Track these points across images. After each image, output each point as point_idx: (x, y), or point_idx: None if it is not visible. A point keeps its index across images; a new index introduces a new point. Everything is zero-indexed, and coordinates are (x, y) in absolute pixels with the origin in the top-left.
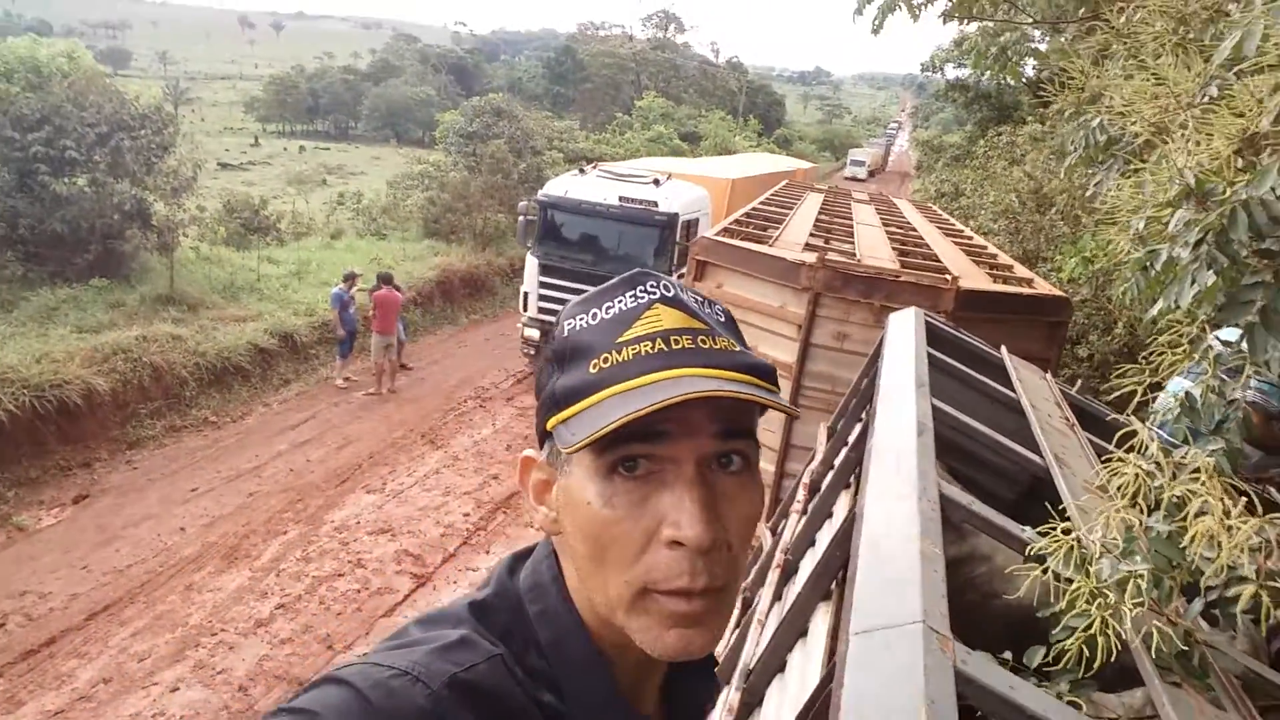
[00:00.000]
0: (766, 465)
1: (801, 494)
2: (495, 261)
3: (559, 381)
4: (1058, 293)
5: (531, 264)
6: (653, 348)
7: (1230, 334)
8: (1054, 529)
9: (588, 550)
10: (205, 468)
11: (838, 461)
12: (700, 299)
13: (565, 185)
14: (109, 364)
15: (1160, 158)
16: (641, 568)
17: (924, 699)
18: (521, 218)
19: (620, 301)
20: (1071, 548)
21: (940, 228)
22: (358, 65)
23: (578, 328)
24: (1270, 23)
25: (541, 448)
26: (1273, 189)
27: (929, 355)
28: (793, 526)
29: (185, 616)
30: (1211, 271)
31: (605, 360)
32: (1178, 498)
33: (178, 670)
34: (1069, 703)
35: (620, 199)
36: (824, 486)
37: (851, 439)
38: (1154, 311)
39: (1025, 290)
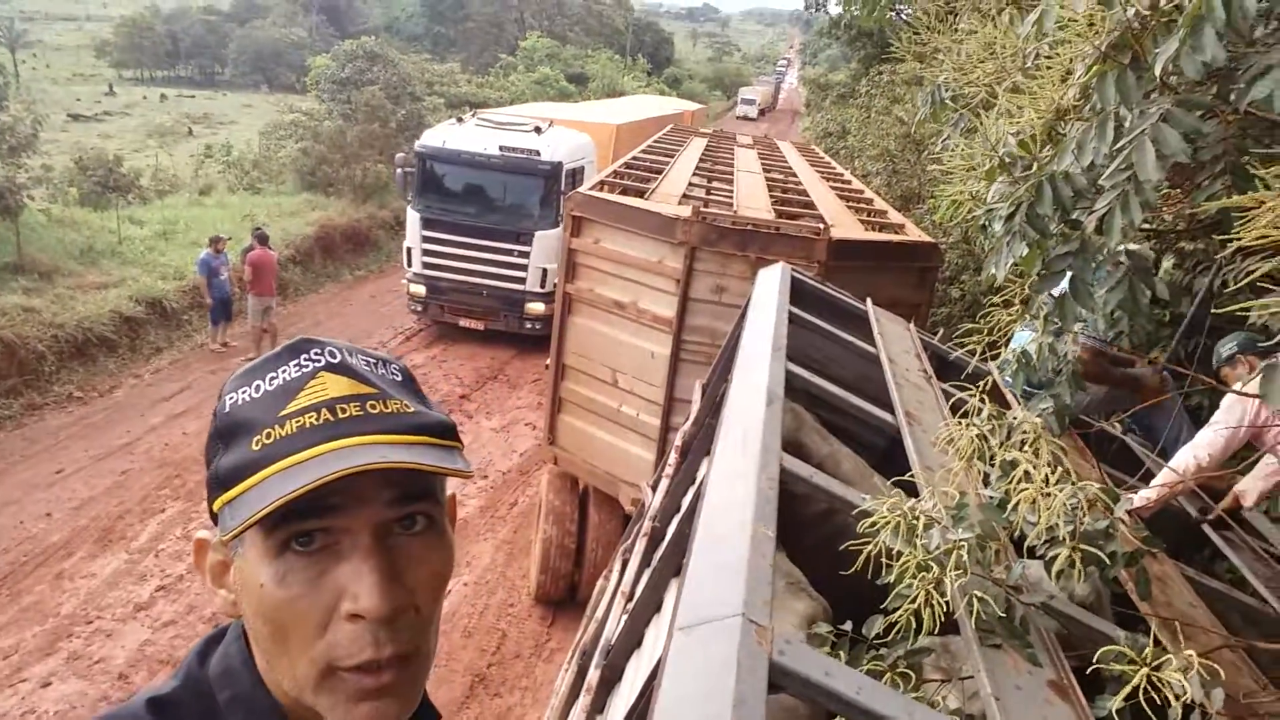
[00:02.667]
0: (651, 419)
1: (673, 457)
2: (378, 214)
3: (222, 460)
4: (927, 239)
5: (413, 218)
6: (317, 419)
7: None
8: (890, 497)
9: (268, 632)
10: (71, 447)
11: (704, 426)
12: (371, 361)
13: (443, 135)
14: None
15: (996, 117)
16: (324, 646)
17: (732, 701)
18: (399, 170)
19: (284, 371)
20: (900, 521)
21: (821, 172)
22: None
23: (240, 402)
24: (1063, 4)
25: (216, 526)
26: (1078, 160)
27: (792, 314)
28: (662, 491)
29: (56, 606)
30: (1024, 243)
31: (268, 436)
32: (1008, 461)
33: (49, 664)
34: (901, 672)
35: (501, 148)
36: (691, 450)
37: (717, 402)
38: (983, 277)
39: (896, 238)
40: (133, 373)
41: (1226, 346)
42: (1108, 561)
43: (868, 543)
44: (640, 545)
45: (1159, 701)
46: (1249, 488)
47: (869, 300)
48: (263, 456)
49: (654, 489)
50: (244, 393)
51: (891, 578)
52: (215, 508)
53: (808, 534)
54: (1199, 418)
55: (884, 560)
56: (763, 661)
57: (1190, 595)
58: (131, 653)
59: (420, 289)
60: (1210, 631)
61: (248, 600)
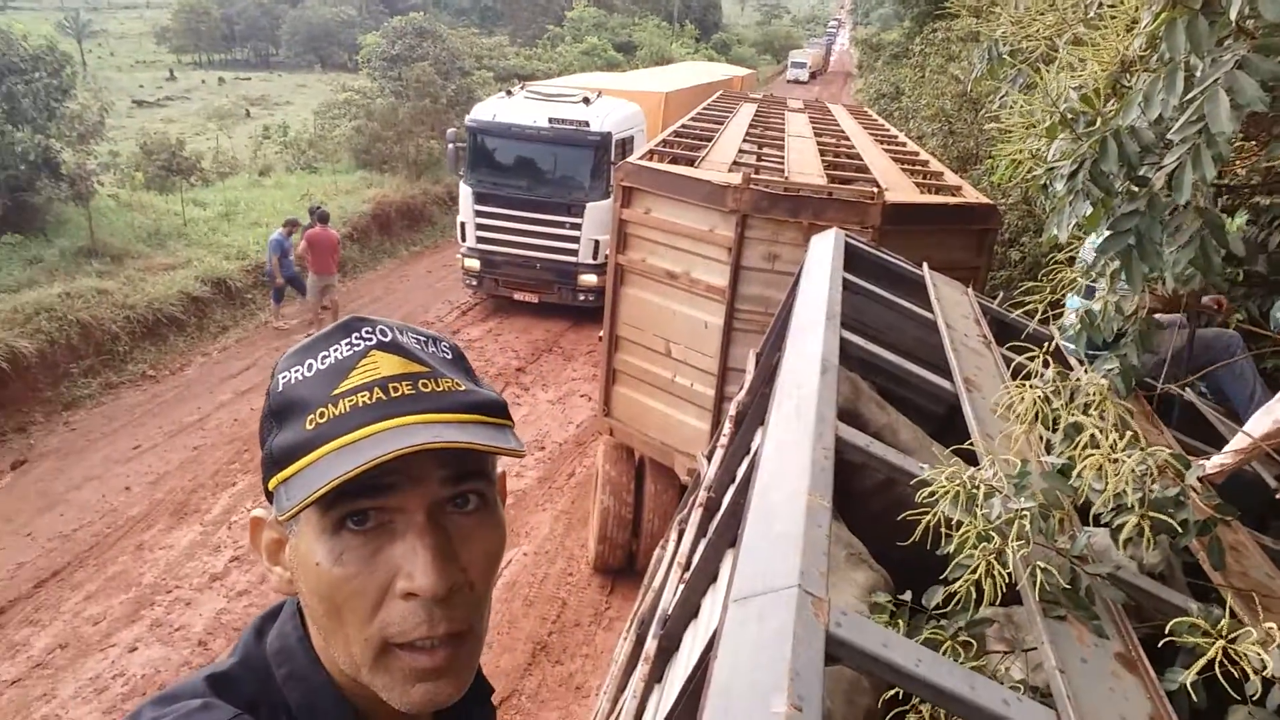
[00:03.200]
0: (705, 389)
1: (728, 426)
2: (432, 190)
3: (276, 439)
4: (984, 201)
5: (465, 193)
6: (370, 398)
7: (1095, 243)
8: (949, 466)
9: (324, 610)
10: (146, 423)
11: (758, 395)
12: (422, 339)
13: (493, 109)
14: (32, 324)
15: (1057, 71)
16: (379, 623)
17: (788, 673)
18: (451, 145)
19: (336, 350)
20: (959, 492)
21: (873, 134)
22: None
23: (293, 381)
24: None
25: (271, 504)
26: (1145, 114)
27: (846, 280)
28: (717, 461)
29: (138, 576)
30: (1088, 202)
31: (321, 415)
32: (1073, 425)
33: (135, 630)
34: (963, 642)
35: (550, 120)
36: (745, 420)
37: (771, 371)
38: (1044, 238)
39: (952, 200)
40: (201, 351)
41: None
42: (1179, 530)
43: (926, 513)
44: (696, 515)
45: (1236, 675)
46: (1222, 460)
47: (925, 265)
48: (316, 436)
49: (709, 459)
50: (296, 372)
51: (951, 548)
52: (270, 486)
53: (866, 504)
54: (1276, 381)
55: (944, 530)
56: (819, 633)
57: (1269, 566)
58: (209, 620)
59: (475, 263)
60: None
61: (304, 578)
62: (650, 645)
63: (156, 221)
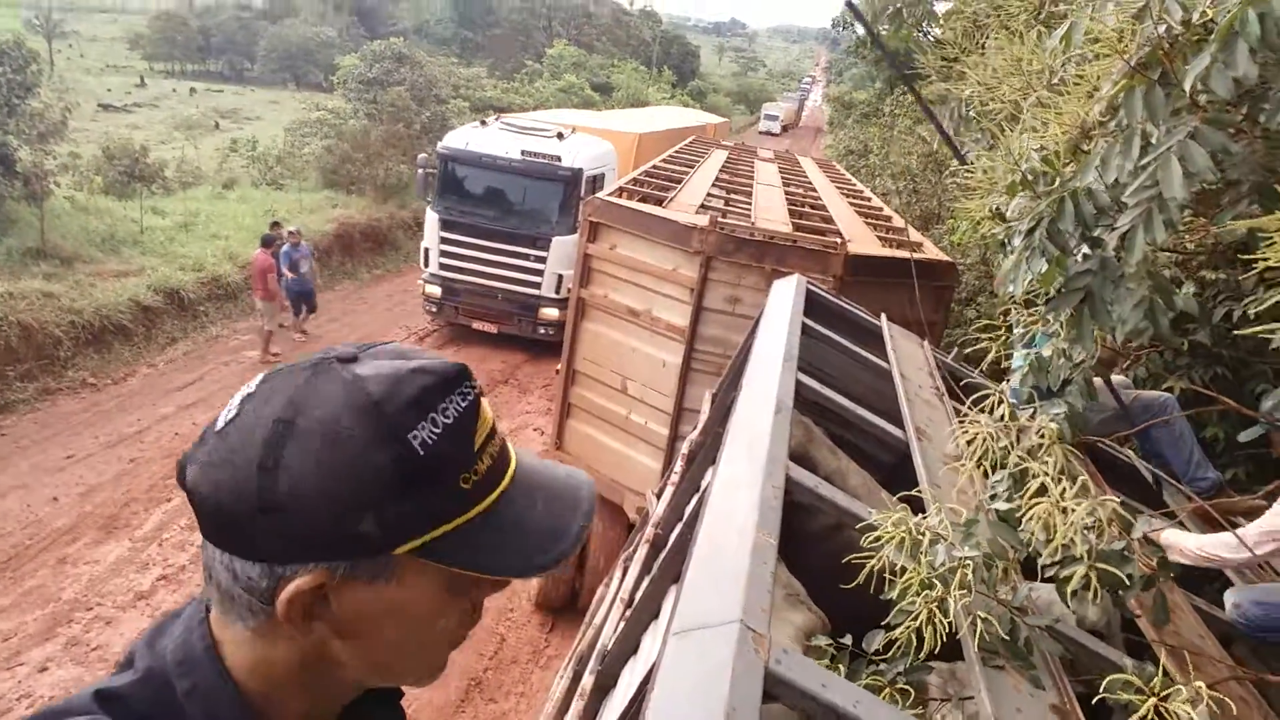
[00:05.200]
0: (659, 428)
1: (679, 465)
2: (398, 214)
3: (426, 499)
4: (944, 258)
5: (432, 219)
6: (496, 448)
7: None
8: (895, 513)
9: (408, 650)
10: (82, 433)
11: (711, 435)
12: None
13: (466, 137)
14: None
15: (1021, 132)
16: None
17: (725, 709)
18: (421, 170)
19: (454, 402)
20: (904, 538)
21: (840, 188)
22: (253, 2)
23: (429, 440)
24: (1094, 16)
25: (331, 560)
26: (1102, 176)
27: (806, 325)
28: (666, 499)
29: (57, 592)
30: (1044, 259)
31: (473, 474)
32: (1019, 468)
33: (47, 649)
34: (901, 689)
35: (523, 153)
36: (697, 459)
37: (726, 411)
38: (999, 292)
39: (913, 255)
40: (147, 362)
41: None
42: (1126, 583)
43: (871, 557)
44: (642, 552)
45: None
46: (1172, 541)
47: (883, 316)
48: (470, 495)
49: (659, 497)
50: (427, 430)
51: (895, 594)
52: (421, 540)
53: (811, 547)
54: (1210, 449)
55: (888, 576)
56: (758, 669)
57: (1200, 626)
58: (130, 640)
59: (436, 290)
60: (1219, 663)
61: (397, 628)
62: (587, 681)
63: (112, 227)
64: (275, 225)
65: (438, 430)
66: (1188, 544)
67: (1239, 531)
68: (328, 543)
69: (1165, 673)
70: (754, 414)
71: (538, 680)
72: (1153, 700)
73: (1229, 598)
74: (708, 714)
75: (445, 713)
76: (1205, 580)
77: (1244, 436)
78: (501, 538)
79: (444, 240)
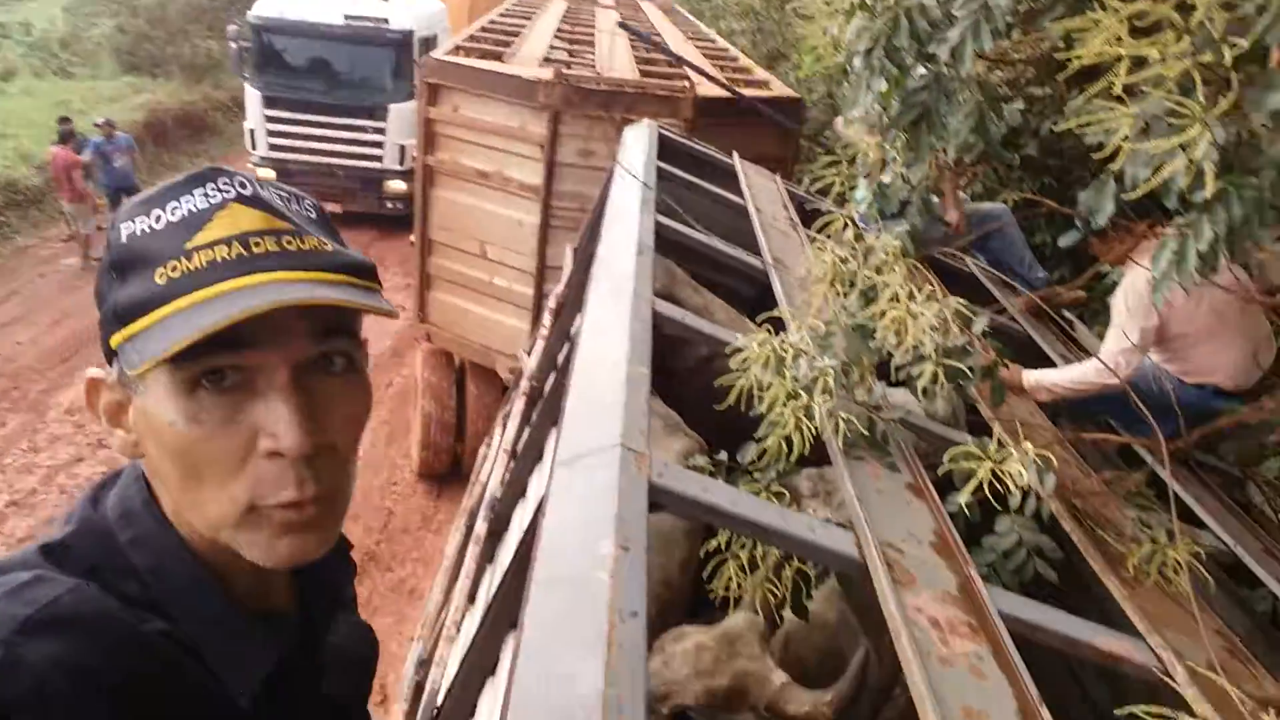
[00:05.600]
0: (524, 288)
1: (548, 319)
2: (214, 95)
3: (121, 294)
4: (791, 94)
5: (253, 97)
6: (229, 252)
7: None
8: (760, 334)
9: (180, 472)
10: None
11: (576, 285)
12: (286, 195)
13: (280, 5)
14: None
15: None
16: (242, 484)
17: (614, 520)
18: (233, 44)
19: (188, 201)
20: (768, 356)
21: (685, 31)
22: None
23: (138, 232)
24: None
25: (111, 365)
26: None
27: (661, 169)
28: (538, 353)
29: None
30: (883, 79)
31: (174, 269)
32: (870, 285)
33: None
34: (776, 491)
35: (345, 17)
36: (564, 310)
37: (588, 260)
38: (843, 115)
39: (761, 93)
40: None
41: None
42: (968, 375)
43: (741, 381)
44: (519, 405)
45: (1002, 492)
46: (1039, 381)
47: (735, 155)
48: (169, 290)
49: (529, 353)
50: (142, 223)
51: (764, 408)
52: (113, 344)
53: (686, 381)
54: (1040, 254)
55: (757, 393)
56: (642, 484)
57: (1031, 406)
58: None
59: (269, 173)
60: (1046, 431)
61: (154, 440)
62: (480, 527)
63: None
64: (65, 120)
65: (156, 225)
66: (1058, 379)
67: (1100, 356)
68: (104, 344)
69: (1000, 444)
70: (616, 258)
71: (431, 545)
72: (989, 464)
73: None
74: (599, 529)
75: None
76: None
77: (1063, 241)
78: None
79: (270, 120)
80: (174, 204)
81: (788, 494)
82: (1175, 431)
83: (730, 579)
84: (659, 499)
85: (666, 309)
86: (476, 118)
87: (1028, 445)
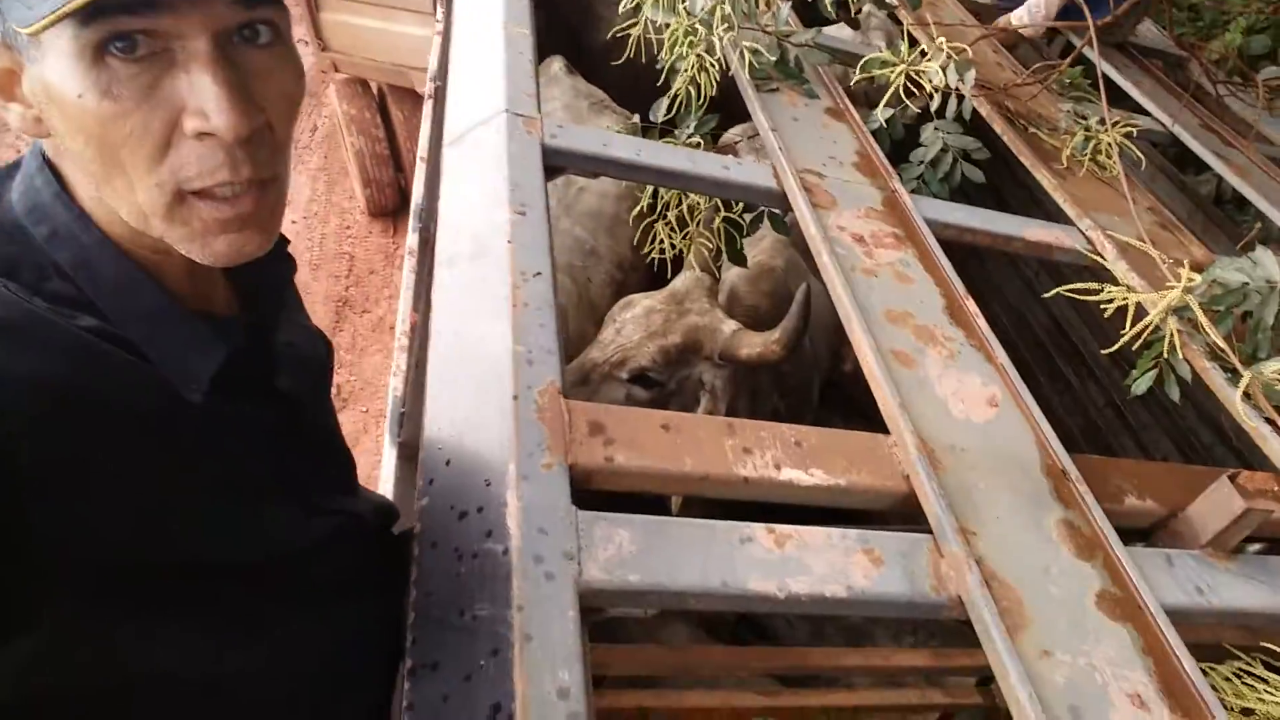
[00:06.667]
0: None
1: (439, 11)
2: None
3: None
4: None
5: None
6: None
7: None
8: None
9: (94, 153)
10: None
11: None
12: None
13: None
14: None
15: None
16: (169, 167)
17: (508, 185)
18: None
19: None
20: None
21: None
22: None
23: None
24: None
25: None
26: None
27: None
28: (436, 49)
29: None
30: None
31: None
32: None
33: None
34: (695, 144)
35: None
36: None
37: None
38: None
39: None
40: None
41: None
42: None
43: (644, 33)
44: (429, 107)
45: (924, 97)
46: (1026, 11)
47: None
48: None
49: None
50: None
51: (665, 54)
52: None
53: (602, 54)
54: None
55: (655, 39)
56: (534, 147)
57: (962, 11)
58: None
59: None
60: (973, 30)
61: (61, 115)
62: (411, 239)
63: None
64: None
65: None
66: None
67: None
68: None
69: (922, 51)
70: None
71: (400, 280)
72: (904, 67)
73: None
74: (493, 198)
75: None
76: None
77: None
78: None
79: None
80: None
81: (705, 143)
82: (1107, 12)
83: (663, 240)
84: (556, 161)
85: None
86: None
87: (941, 41)
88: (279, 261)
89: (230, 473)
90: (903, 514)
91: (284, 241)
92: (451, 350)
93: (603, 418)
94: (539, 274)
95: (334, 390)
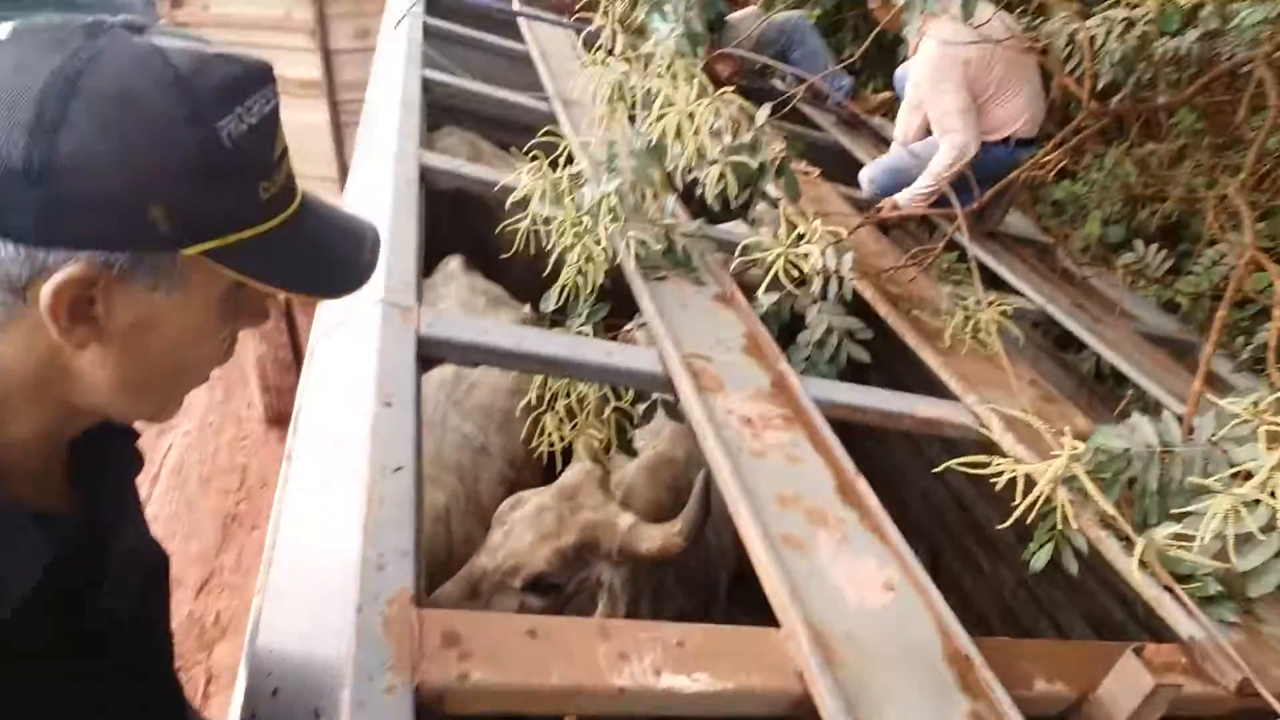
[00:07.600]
0: (330, 198)
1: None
2: None
3: (218, 200)
4: None
5: None
6: (289, 167)
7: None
8: (527, 166)
9: (164, 371)
10: None
11: None
12: None
13: None
14: None
15: None
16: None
17: (376, 376)
18: None
19: (259, 102)
20: (543, 188)
21: None
22: None
23: (237, 133)
24: None
25: (109, 249)
26: None
27: (430, 26)
28: None
29: None
30: None
31: (272, 184)
32: (649, 93)
33: None
34: (585, 332)
35: None
36: None
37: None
38: None
39: None
40: None
41: None
42: (759, 172)
43: (532, 229)
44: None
45: (804, 279)
46: (925, 181)
47: (516, 2)
48: (270, 206)
49: None
50: (239, 123)
51: (553, 245)
52: (222, 241)
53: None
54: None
55: (543, 230)
56: (408, 337)
57: (842, 203)
58: None
59: None
60: (850, 217)
61: (164, 342)
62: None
63: None
64: None
65: (244, 127)
66: (919, 185)
67: (941, 130)
68: (109, 226)
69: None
70: (378, 119)
71: None
72: (782, 251)
73: (863, 175)
74: (360, 389)
75: (209, 557)
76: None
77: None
78: (298, 254)
79: None
80: (252, 103)
81: (592, 332)
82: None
83: (551, 433)
84: (432, 351)
85: (435, 160)
86: (233, 12)
87: (816, 225)
88: (127, 459)
89: None
90: (798, 718)
91: (134, 435)
92: (295, 557)
93: (459, 626)
94: (399, 469)
95: (212, 618)
